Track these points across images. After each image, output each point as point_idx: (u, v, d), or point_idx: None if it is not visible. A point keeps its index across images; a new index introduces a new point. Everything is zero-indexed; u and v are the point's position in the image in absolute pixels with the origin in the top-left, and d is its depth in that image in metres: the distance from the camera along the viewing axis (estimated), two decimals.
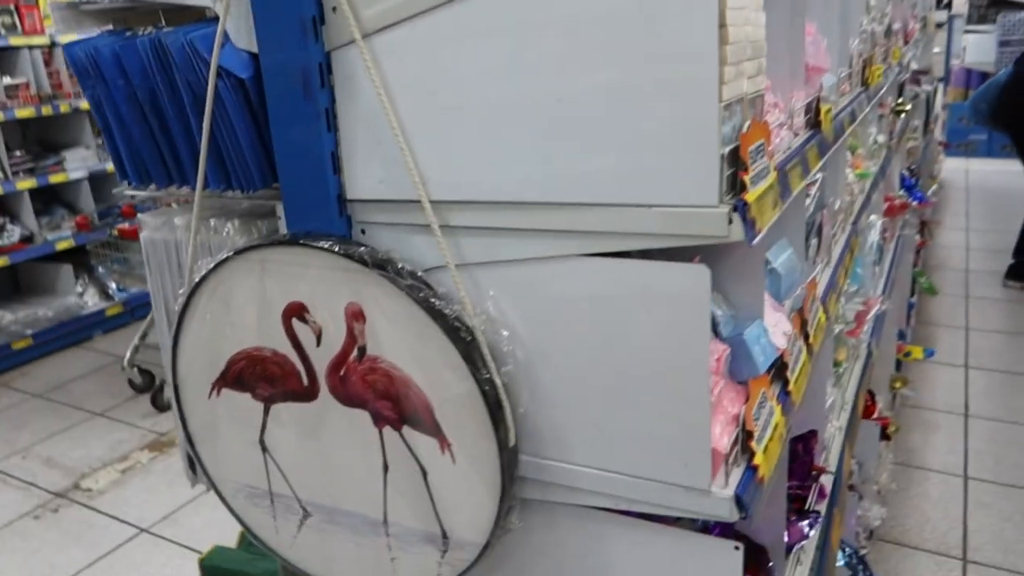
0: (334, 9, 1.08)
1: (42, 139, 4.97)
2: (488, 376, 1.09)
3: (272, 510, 1.38)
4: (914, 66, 5.26)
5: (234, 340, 1.28)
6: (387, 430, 1.20)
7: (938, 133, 8.18)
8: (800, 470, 1.47)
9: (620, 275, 1.00)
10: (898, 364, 3.39)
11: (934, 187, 6.60)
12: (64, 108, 4.71)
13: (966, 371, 3.79)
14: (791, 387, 1.30)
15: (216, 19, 1.21)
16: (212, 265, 1.24)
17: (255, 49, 1.15)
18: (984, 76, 8.65)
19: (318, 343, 1.20)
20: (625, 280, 1.00)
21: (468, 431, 1.12)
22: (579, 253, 1.03)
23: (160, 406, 3.92)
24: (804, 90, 1.41)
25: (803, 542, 1.42)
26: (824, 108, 1.45)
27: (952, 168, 8.22)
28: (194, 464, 1.59)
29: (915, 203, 4.07)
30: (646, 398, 1.04)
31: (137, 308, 5.13)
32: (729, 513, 1.03)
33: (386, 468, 1.22)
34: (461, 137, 1.06)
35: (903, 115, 3.79)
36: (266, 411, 1.31)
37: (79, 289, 4.94)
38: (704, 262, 1.21)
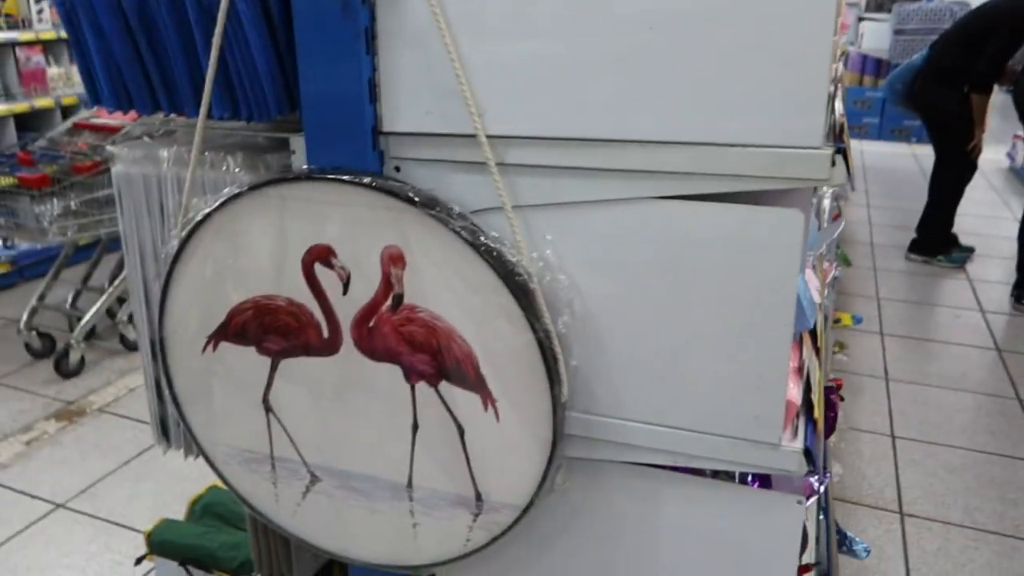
0: None
1: None
2: (546, 327, 1.02)
3: (273, 476, 1.26)
4: None
5: (240, 288, 1.15)
6: (421, 386, 1.10)
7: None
8: (831, 422, 1.47)
9: (702, 220, 0.94)
10: None
11: None
12: None
13: (882, 338, 3.98)
14: (819, 340, 1.29)
15: None
16: (219, 201, 1.10)
17: None
18: (878, 62, 9.09)
19: (344, 291, 1.09)
20: (708, 226, 0.94)
21: (519, 386, 1.05)
22: (654, 196, 0.96)
23: (64, 372, 3.60)
24: None
25: (813, 497, 1.42)
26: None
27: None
28: (166, 428, 1.44)
29: None
30: (721, 351, 0.99)
31: (27, 267, 4.69)
32: (798, 467, 1.00)
33: (415, 427, 1.13)
34: (526, 65, 0.96)
35: None
36: (273, 367, 1.19)
37: None
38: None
